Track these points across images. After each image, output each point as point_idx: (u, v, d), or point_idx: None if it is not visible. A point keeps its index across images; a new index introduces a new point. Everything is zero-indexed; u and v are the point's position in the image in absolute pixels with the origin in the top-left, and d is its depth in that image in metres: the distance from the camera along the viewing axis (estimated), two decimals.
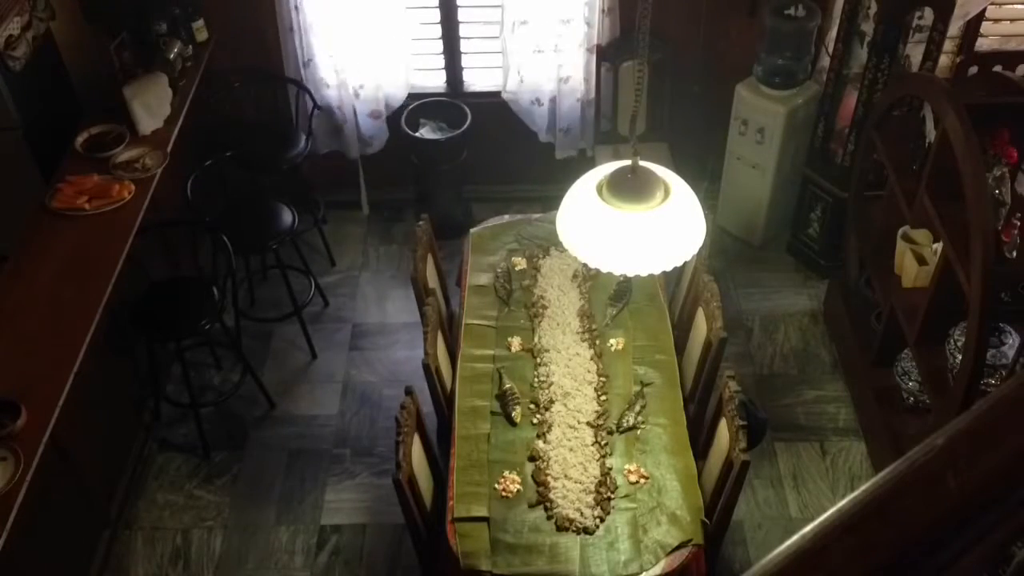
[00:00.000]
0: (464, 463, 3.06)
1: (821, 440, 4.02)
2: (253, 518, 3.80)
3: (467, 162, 4.79)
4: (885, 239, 3.86)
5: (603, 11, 4.39)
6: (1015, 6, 4.54)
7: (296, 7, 4.36)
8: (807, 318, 4.55)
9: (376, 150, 4.87)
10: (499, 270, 3.72)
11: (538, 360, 3.37)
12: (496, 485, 2.98)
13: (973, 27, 4.41)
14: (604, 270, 2.31)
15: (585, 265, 2.40)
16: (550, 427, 3.14)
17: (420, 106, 4.76)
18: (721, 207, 4.88)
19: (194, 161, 4.15)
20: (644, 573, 2.77)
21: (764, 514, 3.76)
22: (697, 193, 2.41)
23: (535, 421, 3.17)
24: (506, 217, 4.04)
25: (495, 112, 4.73)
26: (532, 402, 3.23)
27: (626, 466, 3.02)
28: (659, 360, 3.37)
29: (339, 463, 3.98)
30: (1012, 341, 3.30)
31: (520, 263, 3.75)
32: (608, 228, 2.30)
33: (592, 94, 4.65)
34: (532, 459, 3.05)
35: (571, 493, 2.94)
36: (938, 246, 3.43)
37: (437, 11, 4.55)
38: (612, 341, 3.42)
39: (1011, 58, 4.30)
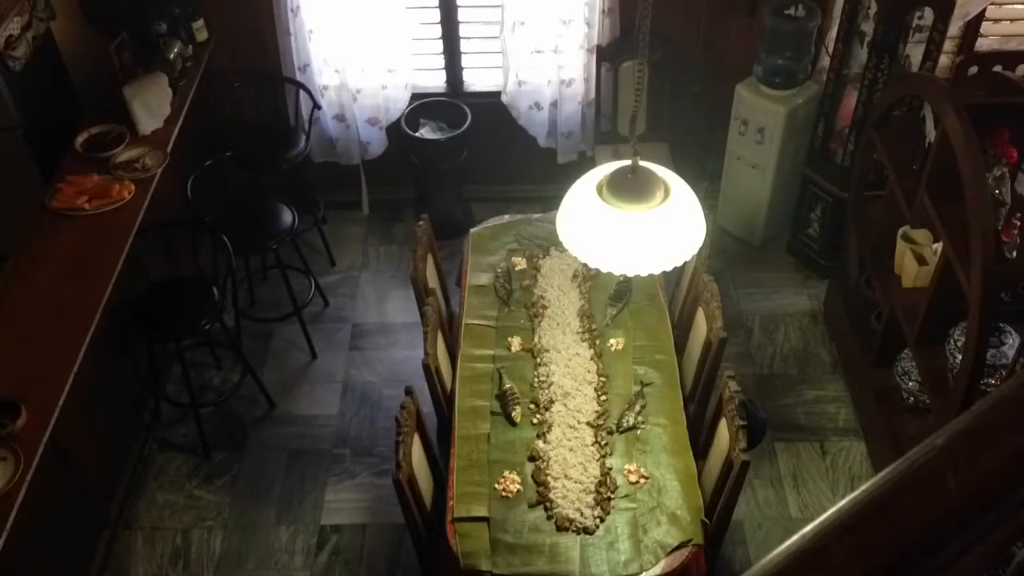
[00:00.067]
0: (464, 463, 3.06)
1: (821, 440, 4.02)
2: (253, 518, 3.80)
3: (467, 162, 4.79)
4: (885, 239, 3.86)
5: (603, 11, 4.38)
6: (1015, 6, 4.54)
7: (293, 10, 4.36)
8: (807, 318, 4.55)
9: (374, 156, 4.87)
10: (499, 270, 3.72)
11: (538, 360, 3.37)
12: (496, 485, 2.98)
13: (973, 27, 4.41)
14: (604, 270, 2.31)
15: (585, 265, 2.40)
16: (550, 427, 3.14)
17: (420, 106, 4.76)
18: (721, 207, 4.88)
19: (194, 161, 4.15)
20: (644, 573, 2.77)
21: (764, 514, 3.76)
22: (697, 193, 2.41)
23: (535, 421, 3.17)
24: (506, 217, 4.04)
25: (495, 112, 4.73)
26: (532, 402, 3.23)
27: (626, 466, 3.02)
28: (659, 360, 3.37)
29: (339, 463, 3.98)
30: (1012, 341, 3.30)
31: (520, 263, 3.75)
32: (608, 228, 2.30)
33: (592, 95, 4.65)
34: (532, 459, 3.05)
35: (571, 493, 2.94)
36: (938, 246, 3.44)
37: (437, 11, 4.55)
38: (612, 341, 3.42)
39: (1011, 58, 4.30)
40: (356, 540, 3.72)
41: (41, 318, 3.30)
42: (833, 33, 4.23)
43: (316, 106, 4.59)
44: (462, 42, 4.69)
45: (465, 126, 4.66)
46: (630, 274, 2.33)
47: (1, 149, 3.82)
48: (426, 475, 3.19)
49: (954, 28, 4.21)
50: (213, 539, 3.73)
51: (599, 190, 2.34)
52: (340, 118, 4.73)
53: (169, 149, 3.98)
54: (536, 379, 3.30)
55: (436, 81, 4.82)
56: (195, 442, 4.02)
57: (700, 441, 3.28)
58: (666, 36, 4.43)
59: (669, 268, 2.32)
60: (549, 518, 2.90)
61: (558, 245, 2.79)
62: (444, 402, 3.45)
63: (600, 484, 2.96)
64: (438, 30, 4.62)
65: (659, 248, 2.29)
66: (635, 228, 2.28)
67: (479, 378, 3.32)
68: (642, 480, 2.98)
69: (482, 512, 2.91)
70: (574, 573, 2.77)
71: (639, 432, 3.13)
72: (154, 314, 3.78)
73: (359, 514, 3.80)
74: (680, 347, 3.54)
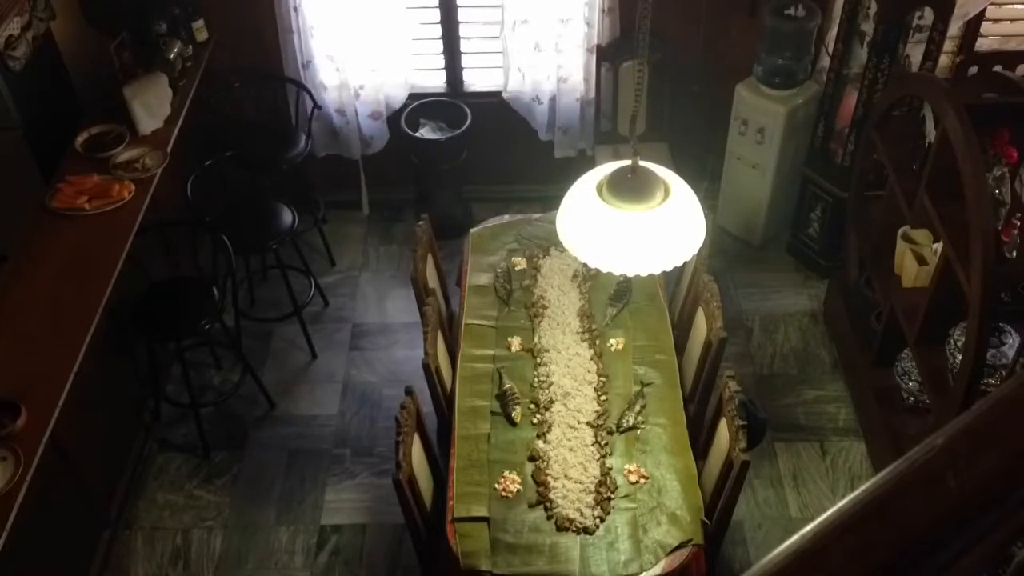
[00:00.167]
0: (464, 463, 3.06)
1: (821, 440, 4.02)
2: (253, 518, 3.80)
3: (467, 162, 4.79)
4: (885, 239, 3.86)
5: (603, 11, 4.39)
6: (1015, 6, 4.54)
7: (295, 8, 4.36)
8: (807, 318, 4.55)
9: (376, 151, 4.87)
10: (499, 270, 3.72)
11: (538, 360, 3.37)
12: (496, 485, 2.98)
13: (973, 27, 4.41)
14: (604, 270, 2.31)
15: (585, 265, 2.40)
16: (550, 427, 3.14)
17: (420, 106, 4.76)
18: (721, 207, 4.88)
19: (194, 161, 4.15)
20: (644, 573, 2.77)
21: (764, 514, 3.76)
22: (697, 193, 2.41)
23: (535, 421, 3.17)
24: (506, 217, 4.04)
25: (495, 112, 4.73)
26: (532, 402, 3.23)
27: (626, 466, 3.02)
28: (659, 360, 3.37)
29: (339, 463, 3.98)
30: (1012, 341, 3.30)
31: (520, 263, 3.75)
32: (608, 228, 2.30)
33: (592, 94, 4.65)
34: (532, 459, 3.05)
35: (571, 493, 2.94)
36: (938, 246, 3.44)
37: (437, 11, 4.55)
38: (612, 341, 3.42)
39: (1011, 58, 4.29)
40: (356, 540, 3.72)
41: (41, 318, 3.30)
42: (833, 33, 4.23)
43: (316, 106, 4.59)
44: (462, 42, 4.69)
45: (465, 126, 4.66)
46: (630, 274, 2.33)
47: (1, 149, 3.81)
48: (426, 475, 3.19)
49: (954, 28, 4.21)
50: (213, 539, 3.73)
51: (599, 190, 2.34)
52: (342, 112, 4.73)
53: (169, 149, 3.98)
54: (536, 379, 3.30)
55: (436, 81, 4.82)
56: (195, 442, 4.02)
57: (700, 441, 3.28)
58: (666, 36, 4.43)
59: (669, 268, 2.32)
60: (549, 518, 2.90)
61: (558, 245, 2.79)
62: (444, 402, 3.45)
63: (600, 484, 2.96)
64: (438, 30, 4.62)
65: (659, 248, 2.30)
66: (635, 228, 2.28)
67: (479, 378, 3.32)
68: (642, 480, 2.98)
69: (482, 512, 2.91)
70: (574, 573, 2.77)
71: (639, 432, 3.13)
72: (154, 314, 3.78)
73: (359, 514, 3.80)
74: (680, 347, 3.54)
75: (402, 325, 4.53)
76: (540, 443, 3.09)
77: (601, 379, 3.29)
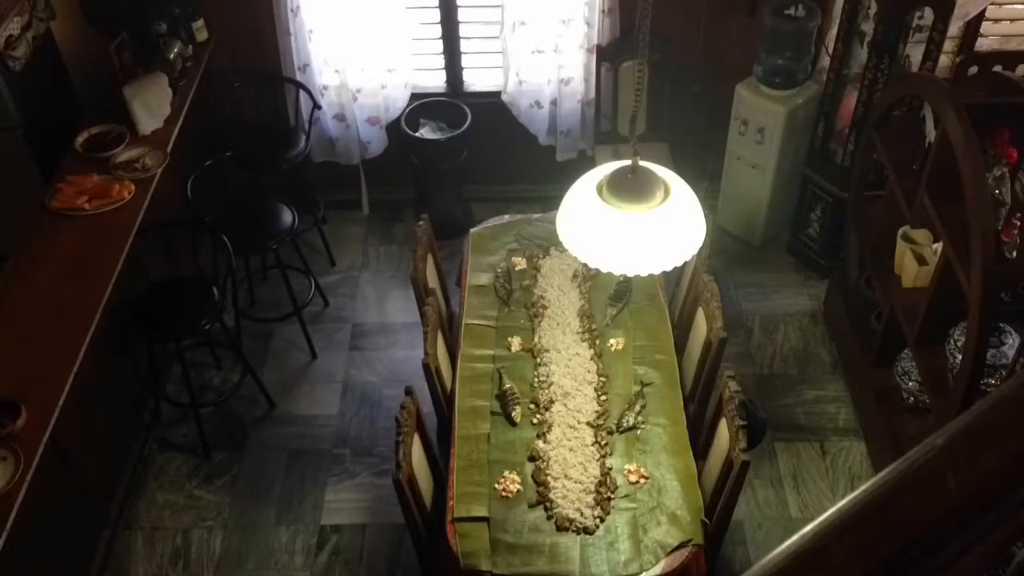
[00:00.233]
0: (464, 463, 3.06)
1: (821, 440, 4.02)
2: (253, 518, 3.80)
3: (467, 162, 4.79)
4: (885, 239, 3.86)
5: (603, 11, 4.38)
6: (1015, 6, 4.54)
7: (293, 10, 4.36)
8: (807, 318, 4.55)
9: (374, 155, 4.87)
10: (499, 270, 3.72)
11: (538, 360, 3.37)
12: (496, 485, 2.98)
13: (973, 27, 4.41)
14: (604, 270, 2.31)
15: (585, 265, 2.40)
16: (550, 427, 3.14)
17: (420, 106, 4.76)
18: (721, 207, 4.88)
19: (194, 161, 4.15)
20: (644, 573, 2.77)
21: (764, 514, 3.76)
22: (697, 193, 2.41)
23: (535, 421, 3.17)
24: (506, 217, 4.04)
25: (495, 112, 4.73)
26: (532, 402, 3.23)
27: (626, 466, 3.02)
28: (659, 360, 3.37)
29: (339, 463, 3.98)
30: (1012, 341, 3.30)
31: (520, 263, 3.75)
32: (608, 228, 2.30)
33: (592, 94, 4.65)
34: (532, 459, 3.05)
35: (571, 493, 2.94)
36: (938, 246, 3.44)
37: (437, 11, 4.55)
38: (612, 341, 3.42)
39: (1011, 58, 4.29)
40: (356, 540, 3.72)
41: (41, 318, 3.30)
42: (833, 33, 4.23)
43: (316, 106, 4.59)
44: (462, 42, 4.69)
45: (465, 126, 4.66)
46: (630, 274, 2.33)
47: (1, 149, 3.81)
48: (426, 475, 3.19)
49: (954, 28, 4.21)
50: (213, 539, 3.73)
51: (599, 190, 2.34)
52: (340, 117, 4.73)
53: (169, 149, 3.98)
54: (536, 379, 3.30)
55: (436, 81, 4.82)
56: (195, 442, 4.02)
57: (700, 441, 3.28)
58: (666, 36, 4.43)
59: (669, 268, 2.32)
60: (549, 518, 2.90)
61: (558, 245, 2.79)
62: (444, 402, 3.45)
63: (600, 484, 2.96)
64: (438, 30, 4.62)
65: (659, 248, 2.30)
66: (635, 228, 2.28)
67: (479, 378, 3.32)
68: (642, 480, 2.98)
69: (482, 512, 2.91)
70: (574, 573, 2.77)
71: (639, 432, 3.13)
72: (154, 314, 3.78)
73: (359, 514, 3.80)
74: (680, 347, 3.54)
75: (402, 325, 4.53)
76: (540, 443, 3.09)
77: (601, 379, 3.29)
